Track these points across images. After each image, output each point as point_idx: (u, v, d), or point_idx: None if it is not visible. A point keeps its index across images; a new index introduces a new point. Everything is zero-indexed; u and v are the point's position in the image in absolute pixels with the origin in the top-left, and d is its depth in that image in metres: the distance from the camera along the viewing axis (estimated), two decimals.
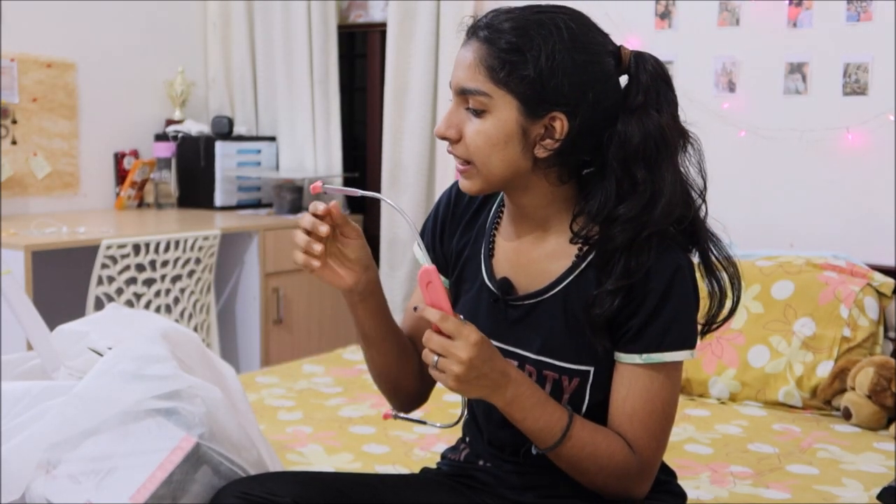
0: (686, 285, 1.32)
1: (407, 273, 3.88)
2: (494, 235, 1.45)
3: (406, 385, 1.51)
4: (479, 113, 1.30)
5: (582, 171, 1.37)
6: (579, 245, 1.35)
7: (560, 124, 1.29)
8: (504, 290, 1.40)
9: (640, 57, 1.34)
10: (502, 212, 1.45)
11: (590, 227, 1.33)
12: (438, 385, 1.44)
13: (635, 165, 1.29)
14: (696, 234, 1.35)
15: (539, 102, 1.28)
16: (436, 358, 1.23)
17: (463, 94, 1.31)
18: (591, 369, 1.36)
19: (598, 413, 1.36)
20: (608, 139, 1.31)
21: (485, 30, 1.30)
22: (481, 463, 1.49)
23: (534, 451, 1.38)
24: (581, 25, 1.30)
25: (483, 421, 1.47)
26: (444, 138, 1.34)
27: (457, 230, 1.50)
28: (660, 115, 1.31)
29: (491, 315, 1.41)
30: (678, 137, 1.33)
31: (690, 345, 1.34)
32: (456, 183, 1.51)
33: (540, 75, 1.26)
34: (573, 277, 1.36)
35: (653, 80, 1.33)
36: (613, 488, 1.34)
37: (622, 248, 1.29)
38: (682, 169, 1.33)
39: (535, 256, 1.39)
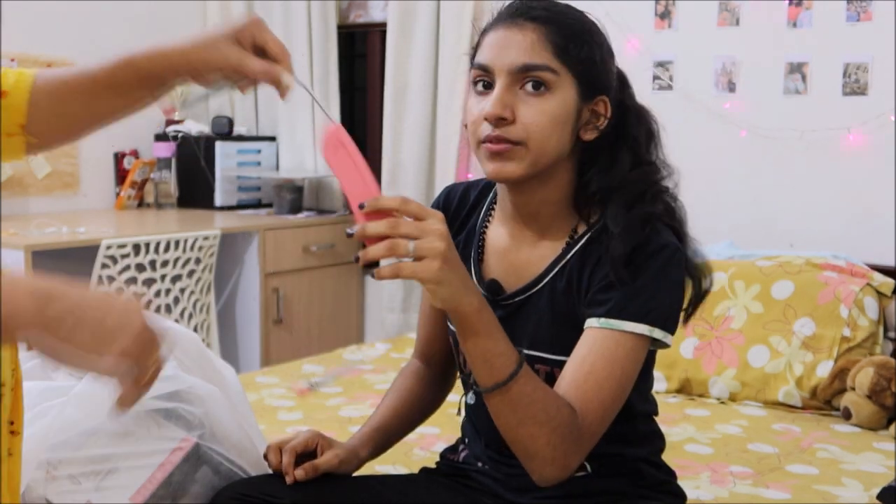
0: (668, 264, 1.29)
1: None
2: (483, 237, 1.45)
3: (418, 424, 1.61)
4: (541, 92, 1.28)
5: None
6: (567, 241, 1.36)
7: (604, 106, 1.34)
8: (492, 290, 1.40)
9: None
10: (491, 214, 1.45)
11: (593, 210, 1.36)
12: None
13: (642, 146, 1.37)
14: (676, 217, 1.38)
15: (593, 85, 1.32)
16: (412, 244, 1.10)
17: (525, 71, 1.28)
18: None
19: None
20: (619, 122, 1.37)
21: (539, 11, 1.31)
22: (480, 465, 1.49)
23: (477, 389, 1.28)
24: None
25: (481, 424, 1.47)
26: (500, 119, 1.28)
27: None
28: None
29: None
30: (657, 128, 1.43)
31: (653, 321, 1.28)
32: (445, 190, 1.52)
33: (602, 60, 1.33)
34: (557, 269, 1.36)
35: (624, 77, 1.43)
36: (550, 451, 1.22)
37: (626, 206, 1.31)
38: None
39: (526, 256, 1.39)
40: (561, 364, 1.35)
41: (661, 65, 3.28)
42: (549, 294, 1.36)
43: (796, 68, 3.08)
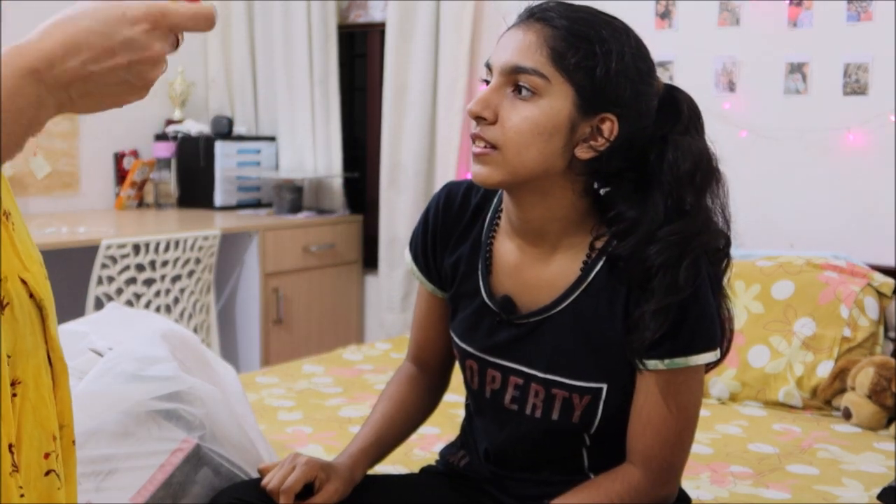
0: (704, 283, 1.28)
1: (407, 273, 3.88)
2: (491, 249, 1.39)
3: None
4: (528, 97, 1.22)
5: (597, 189, 1.33)
6: (584, 259, 1.31)
7: (610, 126, 1.24)
8: (506, 308, 1.35)
9: (675, 89, 1.34)
10: (497, 223, 1.39)
11: (615, 245, 1.28)
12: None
13: (685, 189, 1.27)
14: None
15: (596, 100, 1.23)
16: None
17: (515, 72, 1.22)
18: (604, 386, 1.31)
19: (610, 428, 1.33)
20: (658, 158, 1.28)
21: (552, 13, 1.24)
22: (479, 476, 1.48)
23: None
24: (640, 39, 1.29)
25: (477, 435, 1.47)
26: (479, 118, 1.24)
27: (449, 242, 1.43)
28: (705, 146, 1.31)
29: (492, 333, 1.37)
30: (717, 170, 1.32)
31: (715, 344, 1.29)
32: (445, 188, 1.46)
33: (607, 73, 1.22)
34: (581, 290, 1.31)
35: (692, 112, 1.33)
36: None
37: (659, 266, 1.23)
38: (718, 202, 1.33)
39: (540, 274, 1.33)
40: (580, 389, 1.31)
41: (661, 65, 3.28)
42: (572, 316, 1.31)
43: (796, 68, 3.08)
